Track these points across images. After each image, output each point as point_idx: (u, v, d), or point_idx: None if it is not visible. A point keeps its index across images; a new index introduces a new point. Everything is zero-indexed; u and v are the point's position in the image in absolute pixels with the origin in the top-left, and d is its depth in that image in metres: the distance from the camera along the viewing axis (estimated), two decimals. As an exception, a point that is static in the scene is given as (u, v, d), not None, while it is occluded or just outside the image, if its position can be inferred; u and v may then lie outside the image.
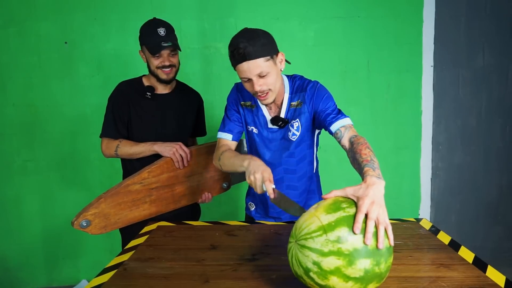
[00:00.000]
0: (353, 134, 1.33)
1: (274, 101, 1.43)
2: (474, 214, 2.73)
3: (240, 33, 1.29)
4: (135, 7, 2.46)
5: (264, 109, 1.50)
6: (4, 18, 2.45)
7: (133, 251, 1.29)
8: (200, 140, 2.06)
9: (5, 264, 2.63)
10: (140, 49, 1.74)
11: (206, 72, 2.56)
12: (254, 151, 1.56)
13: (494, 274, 1.07)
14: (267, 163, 1.47)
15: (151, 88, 1.74)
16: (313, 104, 1.43)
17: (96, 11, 2.46)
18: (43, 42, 2.48)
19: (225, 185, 1.93)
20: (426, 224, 1.47)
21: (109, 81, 2.05)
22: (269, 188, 1.23)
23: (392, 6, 2.53)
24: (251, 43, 1.24)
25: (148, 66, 1.72)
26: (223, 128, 1.55)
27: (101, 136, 1.76)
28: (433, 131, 2.66)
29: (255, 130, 1.51)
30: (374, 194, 0.94)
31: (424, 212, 2.72)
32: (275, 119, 1.45)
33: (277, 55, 1.33)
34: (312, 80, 1.49)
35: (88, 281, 2.64)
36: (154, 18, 1.71)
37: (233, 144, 1.54)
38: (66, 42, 2.48)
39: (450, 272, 1.08)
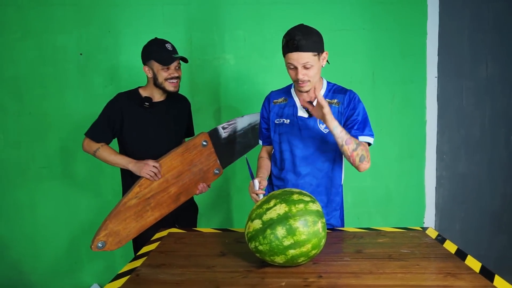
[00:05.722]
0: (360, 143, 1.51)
1: (308, 92, 1.56)
2: (479, 223, 2.74)
3: (298, 27, 1.47)
4: (148, 20, 2.54)
5: (297, 100, 1.62)
6: (22, 30, 2.54)
7: (145, 257, 1.34)
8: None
9: (20, 268, 2.70)
10: (143, 66, 1.83)
11: (215, 82, 2.63)
12: (285, 143, 1.63)
13: (501, 284, 1.07)
14: (298, 152, 1.60)
15: (149, 98, 1.85)
16: (349, 109, 1.56)
17: (110, 24, 2.54)
18: (59, 54, 2.56)
19: (217, 171, 2.01)
20: (432, 233, 1.49)
21: (122, 91, 2.11)
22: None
23: (396, 18, 2.58)
24: (305, 38, 1.42)
25: (155, 80, 1.82)
26: (259, 136, 1.79)
27: (85, 134, 1.87)
28: (437, 140, 2.69)
29: (286, 121, 1.62)
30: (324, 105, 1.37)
31: (429, 221, 2.74)
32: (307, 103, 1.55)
33: (322, 53, 1.50)
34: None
35: (100, 285, 2.71)
36: (156, 38, 1.84)
37: (268, 148, 1.78)
38: (81, 54, 2.56)
39: (457, 282, 1.09)
